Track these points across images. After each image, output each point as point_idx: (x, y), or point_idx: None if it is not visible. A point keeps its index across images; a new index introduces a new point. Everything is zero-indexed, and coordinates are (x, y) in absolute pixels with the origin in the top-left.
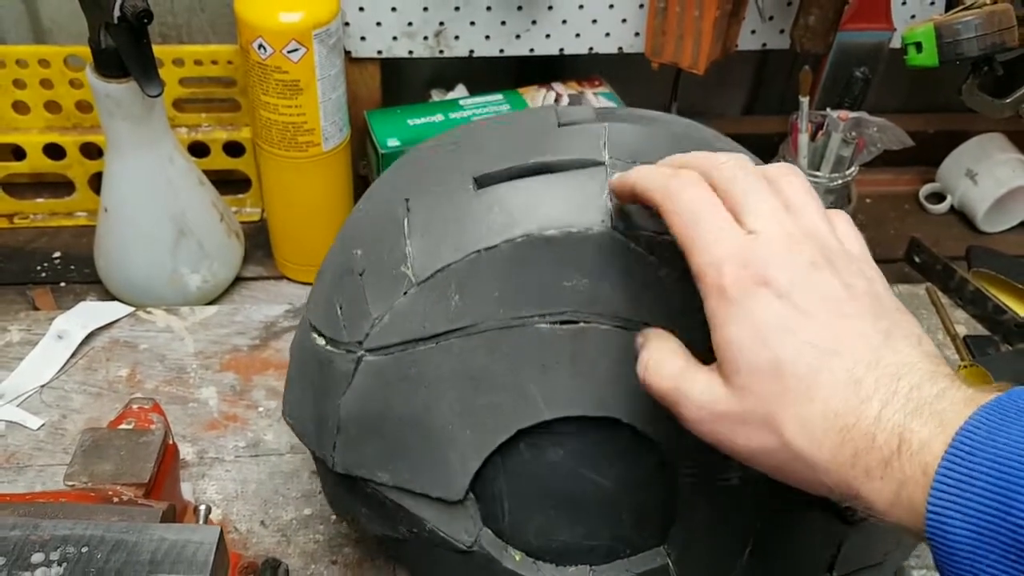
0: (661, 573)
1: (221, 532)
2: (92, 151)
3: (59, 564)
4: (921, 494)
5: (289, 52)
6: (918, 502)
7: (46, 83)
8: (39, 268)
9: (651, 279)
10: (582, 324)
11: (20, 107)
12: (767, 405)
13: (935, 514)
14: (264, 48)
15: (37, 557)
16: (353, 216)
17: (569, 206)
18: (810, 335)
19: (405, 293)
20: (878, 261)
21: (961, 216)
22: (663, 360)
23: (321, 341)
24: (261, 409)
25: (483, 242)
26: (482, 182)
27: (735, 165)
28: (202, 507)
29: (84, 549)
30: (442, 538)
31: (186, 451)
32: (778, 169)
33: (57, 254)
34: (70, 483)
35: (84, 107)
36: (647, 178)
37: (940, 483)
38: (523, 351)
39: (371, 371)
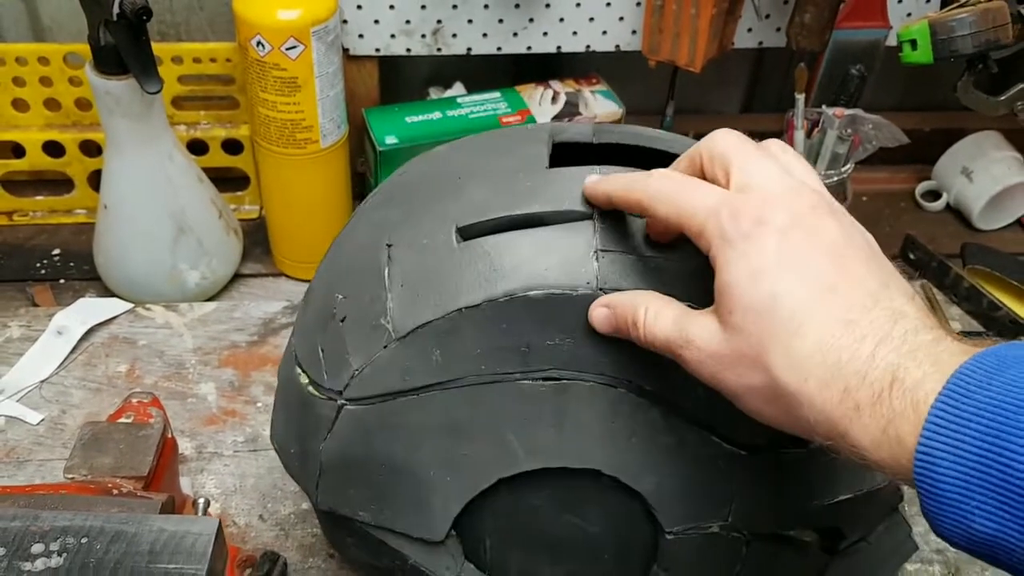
0: None
1: (220, 523)
2: (91, 149)
3: (59, 554)
4: (911, 431)
5: (287, 49)
6: (907, 439)
7: (45, 81)
8: (39, 265)
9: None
10: (565, 381)
11: (20, 105)
12: (759, 341)
13: (924, 452)
14: (262, 45)
15: (37, 548)
16: (339, 247)
17: (554, 264)
18: (807, 273)
19: (385, 346)
20: None
21: (957, 214)
22: (660, 311)
23: (304, 380)
24: (259, 404)
25: (464, 300)
26: (466, 233)
27: (716, 138)
28: (201, 500)
29: (84, 540)
30: (424, 574)
31: (185, 446)
32: (771, 142)
33: (57, 251)
34: (70, 476)
35: (83, 105)
36: (624, 185)
37: (933, 422)
38: (504, 405)
39: (352, 419)
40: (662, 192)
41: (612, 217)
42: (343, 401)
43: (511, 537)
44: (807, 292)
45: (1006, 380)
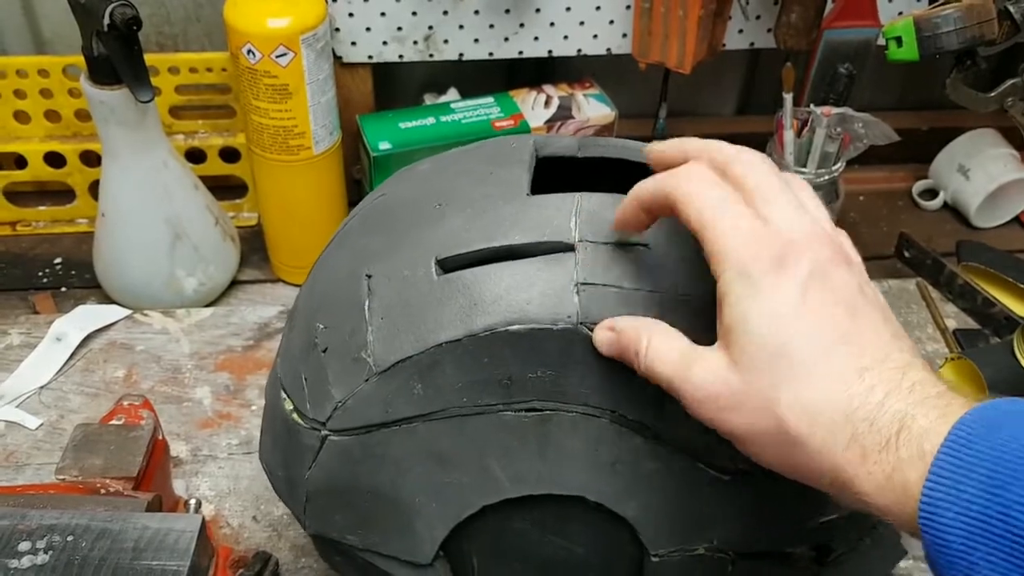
0: None
1: (203, 520)
2: (92, 159)
3: (45, 552)
4: (917, 479)
5: (277, 57)
6: (912, 487)
7: (46, 93)
8: (40, 274)
9: (620, 369)
10: (547, 412)
11: (21, 117)
12: (769, 386)
13: (928, 501)
14: (253, 53)
15: (24, 545)
16: (319, 272)
17: (535, 298)
18: (823, 323)
19: (367, 380)
20: (870, 257)
21: (955, 212)
22: (664, 343)
23: (288, 406)
24: (254, 408)
25: (445, 335)
26: (446, 265)
27: (749, 159)
28: (192, 501)
29: (69, 538)
30: None
31: (180, 449)
32: (792, 178)
33: (58, 260)
34: (60, 477)
35: (83, 116)
36: (659, 186)
37: (937, 469)
38: (487, 436)
39: (336, 449)
40: (706, 207)
41: (594, 248)
42: (327, 432)
43: (498, 558)
44: (822, 341)
45: (1011, 432)
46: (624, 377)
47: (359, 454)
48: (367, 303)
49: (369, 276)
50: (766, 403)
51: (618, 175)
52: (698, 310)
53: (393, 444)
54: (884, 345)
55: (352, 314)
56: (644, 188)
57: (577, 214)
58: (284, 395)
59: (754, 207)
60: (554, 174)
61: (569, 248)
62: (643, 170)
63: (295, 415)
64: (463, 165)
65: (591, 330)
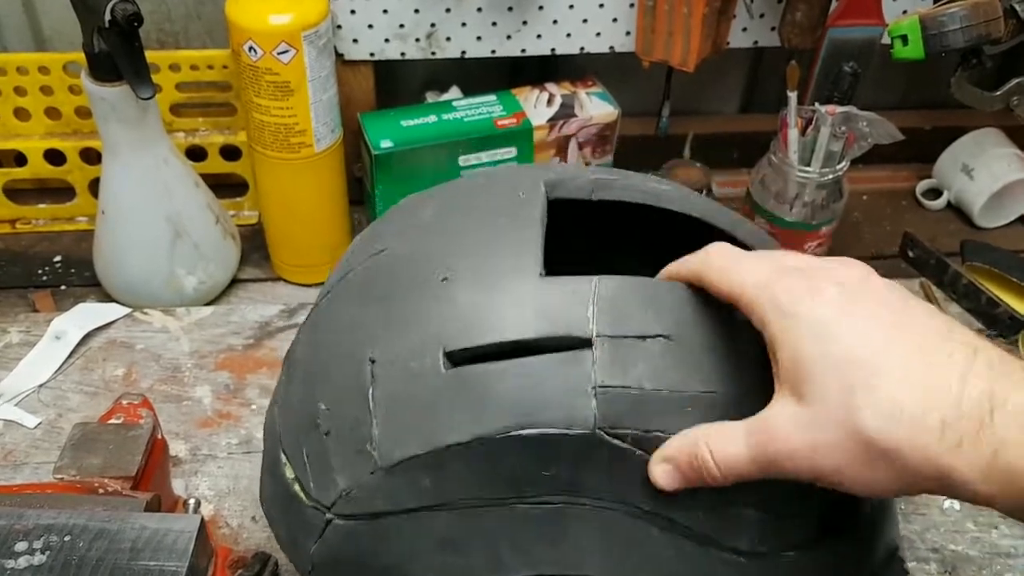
0: None
1: (202, 520)
2: (92, 156)
3: (42, 552)
4: (1022, 458)
5: (279, 54)
6: (1018, 466)
7: (46, 90)
8: (40, 272)
9: (637, 470)
10: (561, 505)
11: (21, 114)
12: (843, 400)
13: None
14: (254, 50)
15: (21, 545)
16: (321, 331)
17: (549, 400)
18: (871, 320)
19: (372, 473)
20: (874, 257)
21: (958, 212)
22: (723, 437)
23: (290, 473)
24: (254, 407)
25: (453, 436)
26: (454, 358)
27: (719, 249)
28: (191, 501)
29: (67, 538)
30: None
31: (180, 448)
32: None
33: (58, 258)
34: (58, 476)
35: (83, 113)
36: (686, 267)
37: None
38: (499, 525)
39: (343, 531)
40: (716, 266)
41: (612, 344)
42: (331, 516)
43: None
44: (879, 340)
45: None
46: (637, 475)
47: (366, 536)
48: (371, 391)
49: (372, 361)
50: (846, 420)
51: (633, 215)
52: (725, 405)
53: (401, 530)
54: (942, 329)
55: (356, 401)
56: (672, 272)
57: (595, 302)
58: (284, 459)
59: (770, 261)
60: (565, 218)
61: (586, 344)
62: (662, 215)
63: (297, 487)
64: (469, 217)
65: (608, 435)
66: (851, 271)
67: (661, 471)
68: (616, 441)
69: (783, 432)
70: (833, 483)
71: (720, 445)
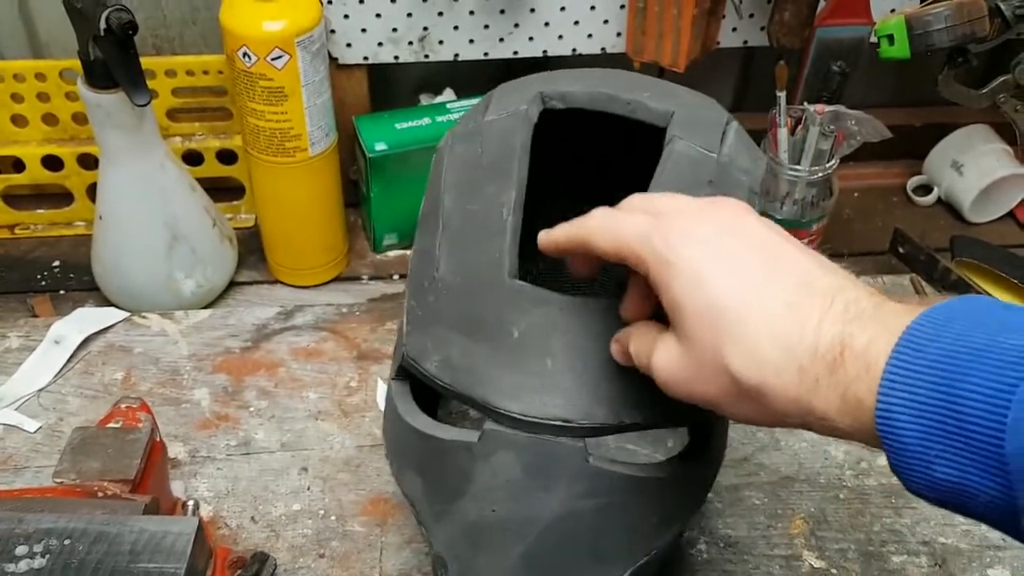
0: None
1: (200, 523)
2: (89, 162)
3: (42, 555)
4: (868, 392)
5: (273, 59)
6: (866, 400)
7: (43, 96)
8: (39, 277)
9: None
10: None
11: (19, 120)
12: (713, 345)
13: (883, 409)
14: (248, 56)
15: (21, 549)
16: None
17: None
18: (742, 271)
19: None
20: (864, 253)
21: (949, 208)
22: (641, 342)
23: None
24: (252, 409)
25: None
26: None
27: (597, 216)
28: (190, 503)
29: (67, 541)
30: None
31: (179, 450)
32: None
33: (56, 263)
34: (58, 480)
35: (80, 119)
36: (567, 231)
37: (888, 379)
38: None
39: None
40: (599, 228)
41: None
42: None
43: None
44: (745, 288)
45: (955, 331)
46: None
47: None
48: None
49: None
50: (717, 367)
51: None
52: None
53: None
54: (808, 274)
55: None
56: (555, 238)
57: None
58: None
59: (647, 213)
60: (555, 135)
61: None
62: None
63: None
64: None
65: None
66: (724, 211)
67: (614, 348)
68: None
69: (661, 364)
70: (712, 408)
71: (636, 353)
